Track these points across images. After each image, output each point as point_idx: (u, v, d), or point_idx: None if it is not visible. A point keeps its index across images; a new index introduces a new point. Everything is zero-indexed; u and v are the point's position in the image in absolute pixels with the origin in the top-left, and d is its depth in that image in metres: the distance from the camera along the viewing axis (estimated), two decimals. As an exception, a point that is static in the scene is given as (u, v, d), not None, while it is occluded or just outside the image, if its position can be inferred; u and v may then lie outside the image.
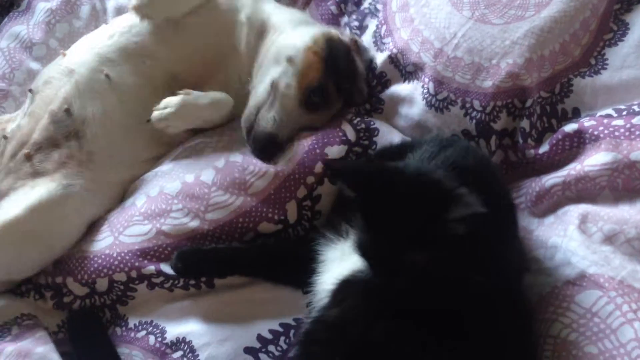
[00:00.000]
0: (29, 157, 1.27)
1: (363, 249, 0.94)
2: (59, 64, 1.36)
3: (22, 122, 1.32)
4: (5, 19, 1.67)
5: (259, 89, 1.30)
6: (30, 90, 1.36)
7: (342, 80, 1.30)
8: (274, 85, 1.28)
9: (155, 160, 1.36)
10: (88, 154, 1.29)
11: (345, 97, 1.34)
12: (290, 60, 1.28)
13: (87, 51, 1.35)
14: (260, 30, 1.38)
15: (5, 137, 1.32)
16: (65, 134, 1.29)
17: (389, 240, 0.91)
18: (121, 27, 1.37)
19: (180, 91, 1.29)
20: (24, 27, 1.63)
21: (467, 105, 1.23)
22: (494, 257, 0.97)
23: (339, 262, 1.06)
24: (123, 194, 1.34)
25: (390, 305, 0.96)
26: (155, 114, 1.28)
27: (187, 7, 1.36)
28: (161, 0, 1.35)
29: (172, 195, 1.25)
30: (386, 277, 0.94)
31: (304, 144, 1.26)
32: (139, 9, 1.34)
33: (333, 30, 1.36)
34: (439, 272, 0.91)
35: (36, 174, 1.26)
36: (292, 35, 1.34)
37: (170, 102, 1.28)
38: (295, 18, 1.41)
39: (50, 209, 1.22)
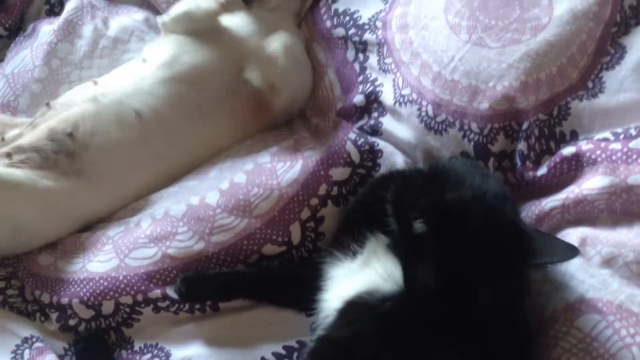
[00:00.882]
0: (8, 155, 1.30)
1: (425, 291, 0.94)
2: (86, 92, 1.37)
3: (24, 130, 1.35)
4: (12, 45, 1.68)
5: None
6: (47, 104, 1.38)
7: None
8: None
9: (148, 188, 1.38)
10: (77, 170, 1.31)
11: None
12: None
13: (121, 83, 1.37)
14: None
15: (3, 139, 1.34)
16: (56, 151, 1.30)
17: (461, 276, 0.91)
18: (161, 59, 1.39)
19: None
20: (28, 51, 1.63)
21: (465, 127, 1.24)
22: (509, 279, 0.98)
23: (346, 280, 1.07)
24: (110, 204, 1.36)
25: (405, 327, 0.97)
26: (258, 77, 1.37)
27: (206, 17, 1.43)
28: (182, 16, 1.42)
29: (178, 217, 1.25)
30: (440, 309, 0.93)
31: (308, 165, 1.27)
32: (165, 26, 1.43)
33: None
34: (493, 309, 0.93)
35: (8, 167, 1.28)
36: None
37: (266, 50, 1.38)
38: None
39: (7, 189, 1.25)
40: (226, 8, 1.45)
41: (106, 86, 1.38)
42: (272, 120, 1.46)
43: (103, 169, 1.32)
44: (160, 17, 1.50)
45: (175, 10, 1.45)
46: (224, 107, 1.40)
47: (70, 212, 1.31)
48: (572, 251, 0.99)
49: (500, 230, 0.93)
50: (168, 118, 1.36)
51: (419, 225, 0.92)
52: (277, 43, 1.38)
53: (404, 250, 0.97)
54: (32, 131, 1.33)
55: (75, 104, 1.35)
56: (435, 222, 0.92)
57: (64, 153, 1.29)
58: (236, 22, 1.47)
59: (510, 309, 1.01)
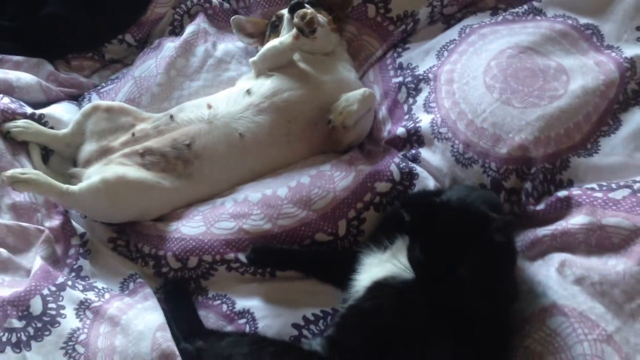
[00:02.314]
0: (142, 155, 1.62)
1: (416, 262, 1.20)
2: (202, 112, 1.67)
3: (150, 131, 1.67)
4: (140, 54, 1.96)
5: None
6: (170, 117, 1.68)
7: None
8: None
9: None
10: (188, 174, 1.61)
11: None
12: None
13: (230, 109, 1.65)
14: None
15: (133, 134, 1.68)
16: (176, 157, 1.61)
17: (441, 256, 1.16)
18: (264, 92, 1.65)
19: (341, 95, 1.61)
20: (153, 61, 1.90)
21: (486, 165, 1.44)
22: (499, 284, 1.24)
23: (376, 267, 1.32)
24: (205, 198, 1.63)
25: (416, 305, 1.21)
26: (339, 117, 1.58)
27: (287, 58, 1.69)
28: (267, 58, 1.69)
29: (254, 202, 1.52)
30: (432, 285, 1.18)
31: (359, 177, 1.50)
32: (255, 64, 1.68)
33: None
34: (474, 284, 1.15)
35: (141, 165, 1.60)
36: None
37: (349, 100, 1.59)
38: None
39: (139, 188, 1.57)
40: (297, 43, 1.67)
41: (219, 110, 1.66)
42: (337, 149, 1.71)
43: (207, 174, 1.62)
44: (251, 59, 1.78)
45: (262, 50, 1.75)
46: (305, 136, 1.66)
47: (177, 203, 1.63)
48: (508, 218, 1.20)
49: (466, 216, 1.17)
50: (263, 141, 1.63)
51: (405, 215, 1.19)
52: (357, 92, 1.64)
53: (410, 236, 1.24)
54: (159, 137, 1.65)
55: (193, 121, 1.65)
56: (413, 212, 1.18)
57: (181, 160, 1.62)
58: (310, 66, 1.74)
59: (501, 310, 1.27)
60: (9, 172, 1.50)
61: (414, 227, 1.21)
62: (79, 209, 1.63)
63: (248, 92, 1.68)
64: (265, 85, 1.69)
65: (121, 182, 1.54)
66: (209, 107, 1.68)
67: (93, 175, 1.57)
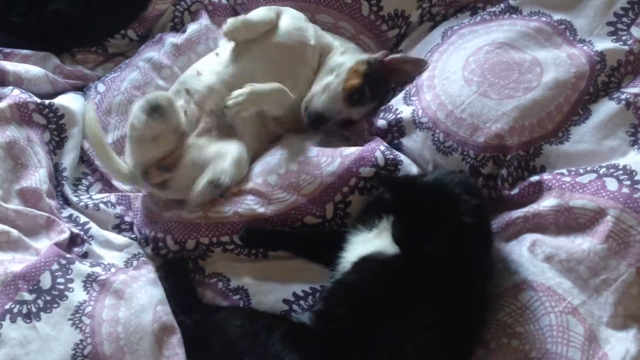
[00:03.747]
0: (209, 131, 1.64)
1: (396, 236, 1.27)
2: (199, 80, 1.68)
3: (192, 108, 1.66)
4: (142, 46, 2.01)
5: (316, 87, 1.69)
6: (186, 90, 1.67)
7: (376, 89, 1.70)
8: (327, 86, 1.67)
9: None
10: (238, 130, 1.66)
11: (378, 100, 1.73)
12: (338, 75, 1.68)
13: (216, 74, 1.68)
14: (322, 51, 1.77)
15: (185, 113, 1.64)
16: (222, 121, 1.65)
17: (416, 231, 1.23)
18: (227, 58, 1.70)
19: (247, 84, 1.59)
20: (156, 53, 1.94)
21: (465, 153, 1.50)
22: (475, 262, 1.31)
23: (362, 245, 1.38)
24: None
25: (398, 278, 1.28)
26: (230, 102, 1.55)
27: (258, 32, 1.69)
28: (240, 29, 1.68)
29: (247, 190, 1.56)
30: (410, 256, 1.25)
31: (344, 162, 1.54)
32: (227, 34, 1.68)
33: (374, 55, 1.75)
34: (445, 259, 1.22)
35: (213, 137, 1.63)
36: (342, 58, 1.74)
37: (241, 92, 1.57)
38: (348, 46, 1.83)
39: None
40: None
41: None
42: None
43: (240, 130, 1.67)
44: None
45: None
46: None
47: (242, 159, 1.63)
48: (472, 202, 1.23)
49: (439, 196, 1.25)
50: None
51: (386, 191, 1.26)
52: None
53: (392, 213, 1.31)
54: (203, 114, 1.65)
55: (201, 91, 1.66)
56: (392, 190, 1.26)
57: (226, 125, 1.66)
58: None
59: (477, 284, 1.34)
60: None
61: (393, 204, 1.27)
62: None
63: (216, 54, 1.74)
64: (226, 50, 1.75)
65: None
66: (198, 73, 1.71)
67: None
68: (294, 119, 1.73)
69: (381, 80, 1.74)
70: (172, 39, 1.99)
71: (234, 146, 1.61)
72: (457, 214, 1.18)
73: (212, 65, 1.72)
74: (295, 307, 1.45)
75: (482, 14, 1.77)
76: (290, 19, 1.76)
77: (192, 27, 2.01)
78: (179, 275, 1.55)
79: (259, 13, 1.73)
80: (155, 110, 1.47)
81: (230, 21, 1.68)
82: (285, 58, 1.72)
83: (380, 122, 1.70)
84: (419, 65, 1.72)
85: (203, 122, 1.65)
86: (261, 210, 1.54)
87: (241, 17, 1.70)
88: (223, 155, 1.58)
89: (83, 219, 1.66)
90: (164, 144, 1.55)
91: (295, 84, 1.71)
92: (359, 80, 1.67)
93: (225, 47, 1.75)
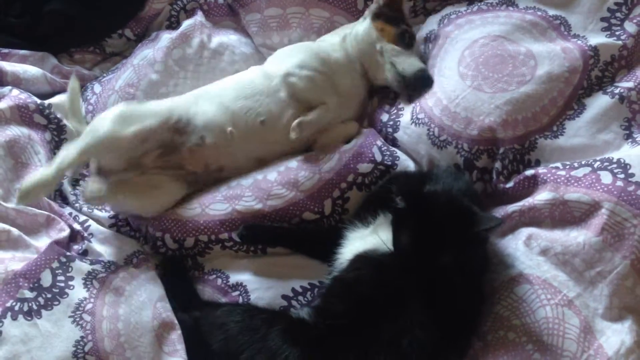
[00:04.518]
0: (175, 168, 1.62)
1: (401, 247, 1.25)
2: (225, 137, 1.62)
3: (184, 153, 1.61)
4: (139, 45, 2.01)
5: (384, 71, 1.71)
6: (201, 138, 1.61)
7: (399, 21, 1.74)
8: (384, 59, 1.70)
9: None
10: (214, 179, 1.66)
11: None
12: (375, 44, 1.72)
13: (247, 143, 1.65)
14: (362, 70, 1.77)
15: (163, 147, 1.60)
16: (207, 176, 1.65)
17: (427, 242, 1.22)
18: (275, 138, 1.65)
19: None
20: (151, 50, 1.94)
21: (459, 146, 1.51)
22: (472, 257, 1.30)
23: (359, 241, 1.38)
24: None
25: (394, 275, 1.27)
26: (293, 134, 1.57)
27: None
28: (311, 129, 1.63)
29: (246, 186, 1.57)
30: (415, 265, 1.23)
31: (342, 159, 1.55)
32: (297, 136, 1.59)
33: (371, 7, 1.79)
34: (454, 273, 1.22)
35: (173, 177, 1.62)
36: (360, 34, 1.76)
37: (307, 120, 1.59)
38: (338, 33, 1.83)
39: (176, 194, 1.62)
40: None
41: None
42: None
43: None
44: None
45: None
46: None
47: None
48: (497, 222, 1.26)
49: (455, 211, 1.24)
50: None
51: (399, 201, 1.25)
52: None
53: (396, 221, 1.30)
54: (191, 159, 1.61)
55: (219, 145, 1.62)
56: (407, 200, 1.24)
57: (211, 176, 1.65)
58: None
59: (474, 279, 1.35)
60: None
61: (404, 213, 1.26)
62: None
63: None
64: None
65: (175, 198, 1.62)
66: (231, 133, 1.64)
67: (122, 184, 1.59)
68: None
69: (397, 16, 1.77)
70: (167, 34, 1.99)
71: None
72: (474, 228, 1.20)
73: (251, 135, 1.65)
74: (294, 302, 1.45)
75: (479, 4, 1.77)
76: (339, 74, 1.73)
77: (186, 22, 2.01)
78: (178, 272, 1.56)
79: (329, 106, 1.67)
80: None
81: (304, 125, 1.61)
82: (342, 110, 1.74)
83: (384, 117, 1.71)
84: None
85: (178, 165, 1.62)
86: (259, 206, 1.55)
87: (314, 118, 1.63)
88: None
89: (82, 217, 1.66)
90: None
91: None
92: (388, 27, 1.71)
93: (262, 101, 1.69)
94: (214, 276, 1.53)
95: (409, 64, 1.67)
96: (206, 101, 1.67)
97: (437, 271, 1.24)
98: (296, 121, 1.59)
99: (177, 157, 1.60)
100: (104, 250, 1.56)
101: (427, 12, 1.94)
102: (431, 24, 1.83)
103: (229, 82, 1.75)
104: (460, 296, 1.29)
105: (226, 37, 2.03)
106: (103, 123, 1.53)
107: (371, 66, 1.75)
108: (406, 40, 1.71)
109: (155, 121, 1.56)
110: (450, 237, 1.22)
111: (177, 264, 1.57)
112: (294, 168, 1.59)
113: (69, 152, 1.50)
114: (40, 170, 1.55)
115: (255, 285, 1.48)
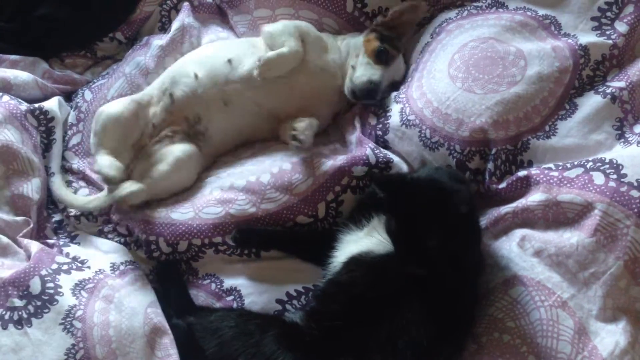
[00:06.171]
0: (171, 136, 1.68)
1: (393, 234, 1.25)
2: (193, 83, 1.69)
3: (164, 115, 1.70)
4: (130, 50, 1.97)
5: (348, 73, 1.73)
6: (170, 95, 1.70)
7: (393, 42, 1.74)
8: (355, 64, 1.72)
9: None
10: (208, 137, 1.71)
11: (401, 52, 1.77)
12: (357, 50, 1.75)
13: (213, 84, 1.69)
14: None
15: (154, 126, 1.70)
16: (194, 130, 1.70)
17: (413, 228, 1.20)
18: (240, 74, 1.69)
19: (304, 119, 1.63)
20: (143, 57, 1.91)
21: (451, 148, 1.49)
22: (467, 256, 1.29)
23: (353, 244, 1.37)
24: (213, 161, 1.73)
25: (387, 277, 1.27)
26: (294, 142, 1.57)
27: (288, 69, 1.68)
28: (272, 69, 1.65)
29: (239, 189, 1.54)
30: (407, 253, 1.23)
31: (337, 163, 1.52)
32: (259, 75, 1.64)
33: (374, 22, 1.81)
34: (442, 257, 1.20)
35: (177, 141, 1.67)
36: (353, 40, 1.79)
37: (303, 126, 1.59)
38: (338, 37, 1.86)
39: (192, 157, 1.66)
40: None
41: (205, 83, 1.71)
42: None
43: (216, 140, 1.72)
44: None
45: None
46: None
47: (201, 167, 1.70)
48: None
49: (433, 192, 1.22)
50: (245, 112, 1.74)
51: (378, 191, 1.24)
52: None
53: (387, 213, 1.28)
54: (173, 118, 1.69)
55: (189, 94, 1.69)
56: (385, 188, 1.24)
57: (199, 131, 1.70)
58: None
59: (468, 281, 1.33)
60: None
61: (387, 202, 1.25)
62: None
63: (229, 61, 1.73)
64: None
65: (188, 156, 1.65)
66: (196, 75, 1.71)
67: (146, 171, 1.63)
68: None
69: (393, 35, 1.77)
70: (157, 41, 1.96)
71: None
72: (453, 205, 1.17)
73: (216, 73, 1.70)
74: (288, 306, 1.43)
75: (469, 8, 1.75)
76: (315, 52, 1.75)
77: (174, 25, 1.98)
78: (172, 277, 1.53)
79: (290, 49, 1.67)
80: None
81: (265, 62, 1.64)
82: (312, 94, 1.75)
83: (373, 120, 1.69)
84: (415, 10, 1.78)
85: (169, 129, 1.68)
86: (252, 210, 1.53)
87: (274, 54, 1.65)
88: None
89: (70, 226, 1.63)
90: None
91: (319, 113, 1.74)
92: (376, 42, 1.72)
93: (236, 50, 1.75)
94: (208, 281, 1.51)
95: (363, 74, 1.68)
96: (180, 64, 1.79)
97: (427, 259, 1.22)
98: (258, 57, 1.65)
99: (163, 123, 1.70)
100: (91, 258, 1.52)
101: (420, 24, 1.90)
102: (425, 37, 1.80)
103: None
104: (454, 296, 1.28)
105: (215, 36, 2.01)
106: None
107: (345, 71, 1.76)
108: (382, 58, 1.70)
109: (139, 97, 1.74)
110: (432, 218, 1.19)
111: (172, 269, 1.55)
112: (288, 170, 1.57)
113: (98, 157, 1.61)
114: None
115: (250, 289, 1.46)
